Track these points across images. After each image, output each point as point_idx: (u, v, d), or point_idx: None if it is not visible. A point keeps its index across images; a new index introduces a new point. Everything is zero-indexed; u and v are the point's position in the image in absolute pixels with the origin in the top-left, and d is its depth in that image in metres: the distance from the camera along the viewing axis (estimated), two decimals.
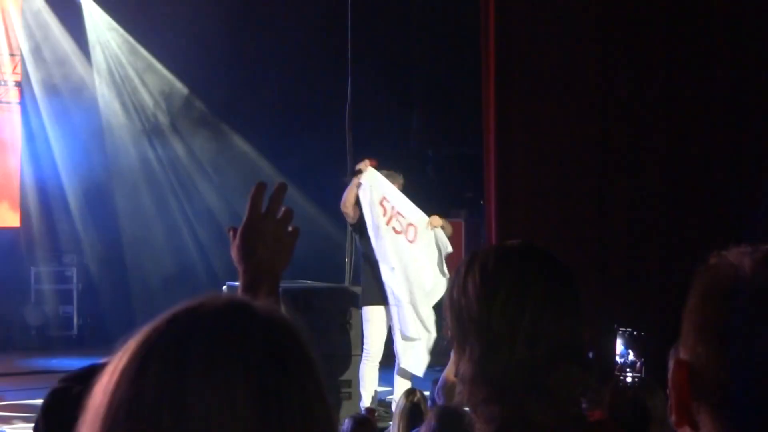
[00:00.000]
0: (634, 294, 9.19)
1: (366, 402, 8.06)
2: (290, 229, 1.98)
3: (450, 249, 8.61)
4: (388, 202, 8.44)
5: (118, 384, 1.01)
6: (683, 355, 1.22)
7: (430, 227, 8.49)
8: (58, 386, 2.06)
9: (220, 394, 0.98)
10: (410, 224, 8.49)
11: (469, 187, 12.07)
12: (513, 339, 1.78)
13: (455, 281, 1.89)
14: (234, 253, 1.95)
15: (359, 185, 8.30)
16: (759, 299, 1.16)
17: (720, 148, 9.46)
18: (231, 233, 1.96)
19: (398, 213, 8.47)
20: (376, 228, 8.36)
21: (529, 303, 1.80)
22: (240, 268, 1.94)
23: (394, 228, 8.44)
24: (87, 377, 1.93)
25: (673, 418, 1.22)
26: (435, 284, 8.47)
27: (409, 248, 8.44)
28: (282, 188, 1.98)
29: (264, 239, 1.94)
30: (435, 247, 8.54)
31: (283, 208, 1.98)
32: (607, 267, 9.45)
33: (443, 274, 8.49)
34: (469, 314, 1.83)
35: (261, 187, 1.96)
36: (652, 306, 9.04)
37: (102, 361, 2.00)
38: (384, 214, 8.42)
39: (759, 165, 9.32)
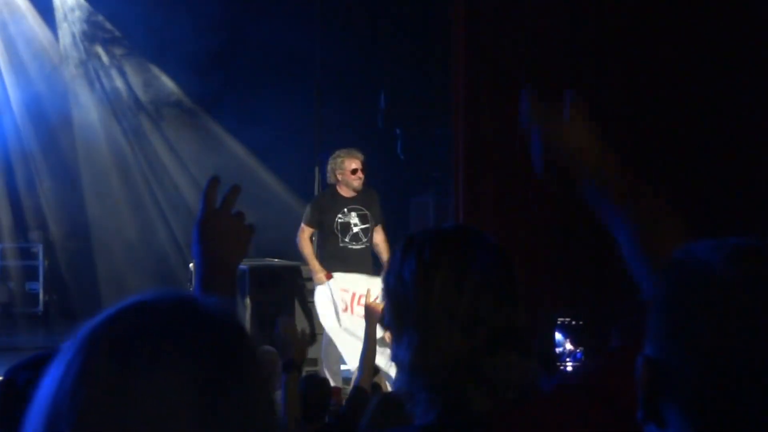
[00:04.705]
0: (570, 283, 9.24)
1: (331, 381, 8.06)
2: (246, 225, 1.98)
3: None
4: (347, 291, 8.19)
5: (64, 377, 1.02)
6: (650, 351, 1.20)
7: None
8: (4, 377, 2.06)
9: (165, 390, 1.00)
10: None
11: (438, 167, 12.03)
12: (451, 327, 1.74)
13: (392, 266, 1.85)
14: (192, 248, 1.96)
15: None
16: (731, 296, 1.15)
17: (679, 136, 9.52)
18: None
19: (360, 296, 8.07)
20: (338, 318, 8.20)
21: (467, 289, 1.76)
22: (196, 262, 1.94)
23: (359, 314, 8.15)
24: (34, 366, 1.92)
25: (639, 415, 1.21)
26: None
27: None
28: (235, 190, 1.97)
29: (219, 234, 1.93)
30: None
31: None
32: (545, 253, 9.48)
33: None
34: (406, 301, 1.79)
35: (214, 182, 1.96)
36: (588, 295, 9.09)
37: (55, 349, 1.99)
38: (345, 309, 8.20)
39: (714, 156, 9.39)
